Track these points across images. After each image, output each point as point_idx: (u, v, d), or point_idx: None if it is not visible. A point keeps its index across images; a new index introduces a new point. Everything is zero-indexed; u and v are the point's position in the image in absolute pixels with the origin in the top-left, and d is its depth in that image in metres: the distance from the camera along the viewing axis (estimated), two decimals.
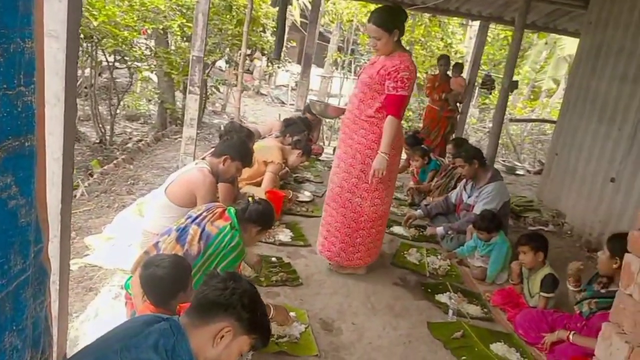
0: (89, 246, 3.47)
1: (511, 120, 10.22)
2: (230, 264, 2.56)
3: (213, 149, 3.59)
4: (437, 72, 8.28)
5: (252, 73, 16.08)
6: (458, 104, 8.10)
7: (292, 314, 3.00)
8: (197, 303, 1.60)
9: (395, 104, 3.39)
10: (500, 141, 10.27)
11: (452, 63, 8.20)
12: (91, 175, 5.38)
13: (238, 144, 3.50)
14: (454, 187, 5.28)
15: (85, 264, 3.27)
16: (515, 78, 8.97)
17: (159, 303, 2.15)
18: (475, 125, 11.61)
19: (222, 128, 4.63)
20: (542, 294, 3.47)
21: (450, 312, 3.40)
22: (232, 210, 2.70)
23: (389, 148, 3.42)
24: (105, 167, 5.61)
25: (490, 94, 9.97)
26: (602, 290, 3.03)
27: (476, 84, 8.89)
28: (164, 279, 2.14)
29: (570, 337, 2.95)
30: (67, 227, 2.06)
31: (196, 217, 2.63)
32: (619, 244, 2.92)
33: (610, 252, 2.95)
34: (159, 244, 2.58)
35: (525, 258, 3.56)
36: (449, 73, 8.06)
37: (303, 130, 5.61)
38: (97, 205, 4.47)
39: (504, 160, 9.38)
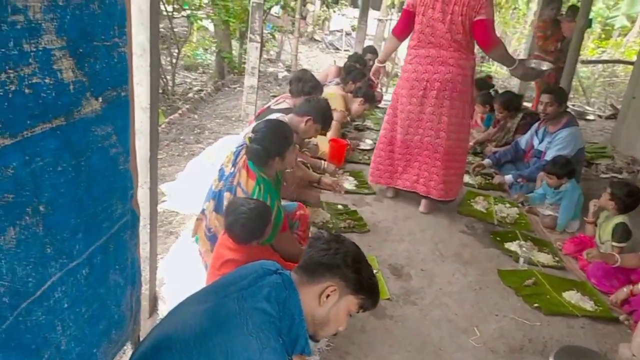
0: (164, 192, 3.62)
1: (582, 62, 9.59)
2: (274, 225, 2.44)
3: (297, 106, 3.58)
4: (543, 17, 7.11)
5: (305, 18, 15.77)
6: None
7: None
8: (304, 263, 1.62)
9: None
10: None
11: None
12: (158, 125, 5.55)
13: (323, 108, 3.47)
14: (512, 140, 5.09)
15: (164, 210, 3.42)
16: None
17: (240, 242, 2.24)
18: None
19: (293, 75, 4.60)
20: (613, 243, 3.36)
21: (521, 260, 3.36)
22: (250, 161, 2.52)
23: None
24: (172, 117, 5.75)
25: None
26: None
27: None
28: (240, 229, 2.21)
29: (617, 259, 2.89)
30: (155, 174, 2.14)
31: (227, 177, 2.54)
32: None
33: None
34: (204, 211, 2.64)
35: (601, 200, 3.50)
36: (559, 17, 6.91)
37: (364, 76, 5.51)
38: (167, 154, 4.62)
39: (572, 105, 8.91)
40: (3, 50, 0.95)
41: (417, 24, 3.58)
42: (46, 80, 1.10)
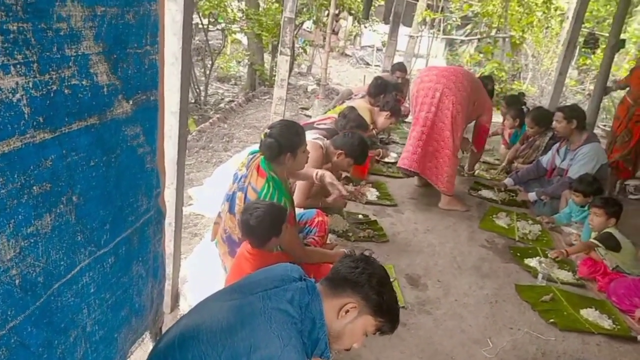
0: (191, 196, 3.77)
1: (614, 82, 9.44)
2: None
3: (335, 138, 3.72)
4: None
5: (337, 33, 15.99)
6: None
7: None
8: (330, 277, 1.68)
9: None
10: (601, 105, 9.59)
11: None
12: (189, 132, 5.75)
13: (358, 144, 3.63)
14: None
15: (190, 213, 3.56)
16: (622, 36, 8.25)
17: (256, 246, 2.32)
18: (575, 87, 10.87)
19: (342, 110, 4.73)
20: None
21: (540, 275, 3.35)
22: (263, 158, 2.60)
23: None
24: (202, 126, 5.95)
25: (594, 53, 9.23)
26: None
27: (578, 43, 8.27)
28: (257, 226, 2.28)
29: None
30: (182, 175, 2.26)
31: (240, 179, 2.63)
32: None
33: None
34: (220, 214, 2.73)
35: (595, 220, 3.50)
36: None
37: (392, 90, 5.58)
38: (196, 160, 4.78)
39: (604, 125, 8.77)
40: (48, 53, 1.07)
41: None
42: (83, 82, 1.22)
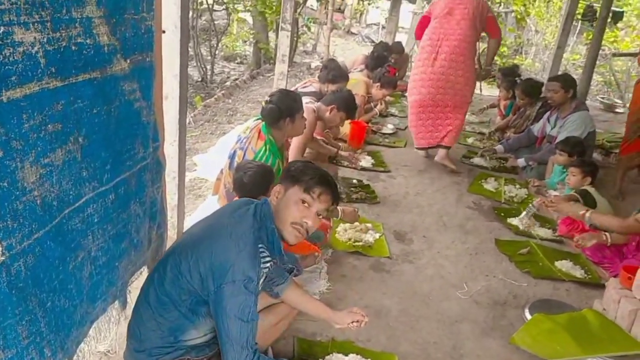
0: (196, 163, 4.04)
1: (614, 55, 9.46)
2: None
3: (324, 98, 3.96)
4: None
5: (343, 12, 16.05)
6: None
7: (368, 224, 3.35)
8: None
9: None
10: (601, 78, 9.64)
11: None
12: (195, 108, 6.00)
13: (347, 97, 3.90)
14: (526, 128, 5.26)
15: (195, 177, 3.83)
16: (623, 9, 8.30)
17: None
18: (577, 61, 10.89)
19: (323, 64, 4.99)
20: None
21: (525, 213, 3.65)
22: (264, 124, 2.87)
23: None
24: (207, 101, 6.20)
25: (592, 26, 9.23)
26: None
27: (577, 16, 8.32)
28: (248, 183, 2.54)
29: (587, 214, 3.15)
30: (184, 132, 2.48)
31: (242, 140, 2.89)
32: None
33: None
34: (222, 170, 2.99)
35: (572, 179, 3.74)
36: None
37: (384, 62, 5.76)
38: (202, 132, 5.05)
39: (602, 98, 8.85)
40: (58, 14, 1.31)
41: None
42: (87, 41, 1.46)
